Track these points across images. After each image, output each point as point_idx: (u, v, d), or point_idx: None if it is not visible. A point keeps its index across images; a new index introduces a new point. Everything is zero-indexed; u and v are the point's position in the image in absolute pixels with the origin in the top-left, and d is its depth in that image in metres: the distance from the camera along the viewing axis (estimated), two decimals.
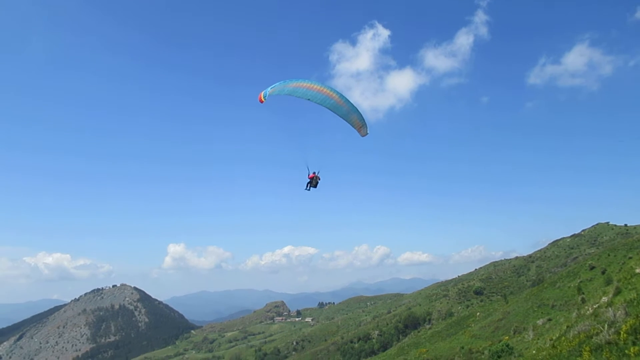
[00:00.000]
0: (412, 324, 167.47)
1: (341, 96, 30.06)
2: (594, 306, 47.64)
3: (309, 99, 29.58)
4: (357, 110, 30.65)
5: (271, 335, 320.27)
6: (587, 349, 21.47)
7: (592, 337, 23.16)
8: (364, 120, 31.38)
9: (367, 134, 32.80)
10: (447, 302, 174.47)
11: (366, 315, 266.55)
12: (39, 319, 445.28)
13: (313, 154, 33.20)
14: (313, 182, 33.98)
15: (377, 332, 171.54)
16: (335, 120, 30.66)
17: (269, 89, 29.80)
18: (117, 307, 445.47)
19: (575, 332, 28.47)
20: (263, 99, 29.73)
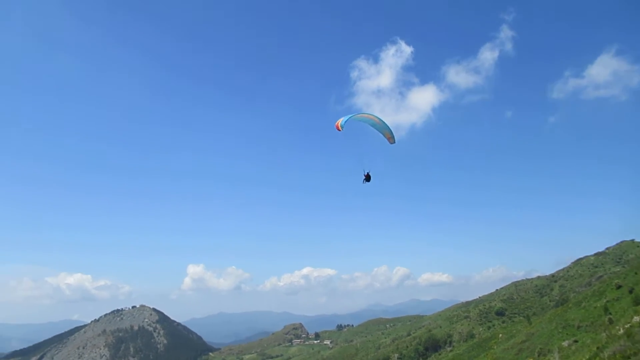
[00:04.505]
0: (432, 346, 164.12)
1: (379, 119, 42.66)
2: (626, 326, 45.89)
3: (362, 121, 42.16)
4: (389, 127, 43.08)
5: (290, 357, 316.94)
6: None
7: (629, 358, 22.14)
8: (392, 132, 43.41)
9: (395, 142, 44.07)
10: (468, 324, 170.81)
11: (385, 338, 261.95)
12: (60, 340, 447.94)
13: (362, 159, 44.69)
14: (368, 178, 43.18)
15: (397, 355, 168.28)
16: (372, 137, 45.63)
17: (342, 120, 39.74)
18: (136, 328, 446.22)
19: (610, 353, 27.29)
20: (340, 128, 39.24)
